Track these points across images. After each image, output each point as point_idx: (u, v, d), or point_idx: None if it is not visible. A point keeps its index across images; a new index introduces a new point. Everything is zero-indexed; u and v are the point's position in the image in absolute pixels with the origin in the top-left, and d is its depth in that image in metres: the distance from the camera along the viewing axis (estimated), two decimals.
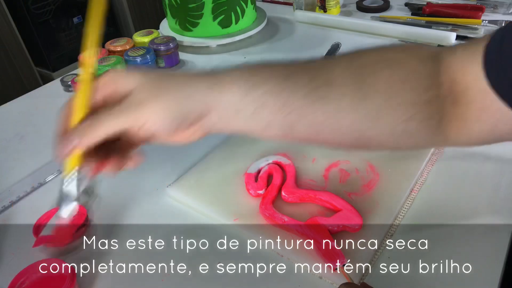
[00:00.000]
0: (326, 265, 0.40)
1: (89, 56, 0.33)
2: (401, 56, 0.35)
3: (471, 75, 0.32)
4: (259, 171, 0.51)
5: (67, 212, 0.35)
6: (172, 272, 0.43)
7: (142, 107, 0.31)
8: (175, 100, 0.32)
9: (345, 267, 0.38)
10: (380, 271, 0.40)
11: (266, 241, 0.44)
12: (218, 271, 0.42)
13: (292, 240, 0.43)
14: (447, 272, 0.39)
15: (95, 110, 0.32)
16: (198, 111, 0.33)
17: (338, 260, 0.39)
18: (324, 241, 0.41)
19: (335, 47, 0.66)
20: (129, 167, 0.36)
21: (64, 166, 0.33)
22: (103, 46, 0.84)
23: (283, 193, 0.48)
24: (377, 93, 0.33)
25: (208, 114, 0.33)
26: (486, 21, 0.85)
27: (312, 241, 0.42)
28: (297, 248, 0.42)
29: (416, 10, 0.96)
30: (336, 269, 0.38)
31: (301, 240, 0.43)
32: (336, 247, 0.40)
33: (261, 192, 0.48)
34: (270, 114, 0.33)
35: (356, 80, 0.34)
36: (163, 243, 0.46)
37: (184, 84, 0.33)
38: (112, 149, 0.35)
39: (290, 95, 0.33)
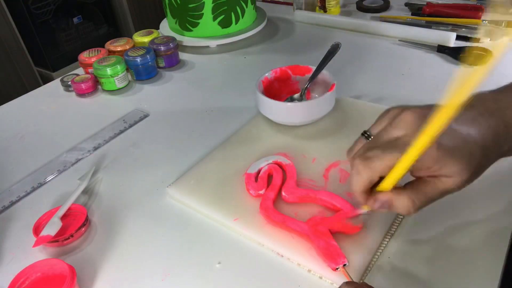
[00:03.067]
0: (326, 265, 0.40)
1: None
2: None
3: None
4: (259, 171, 0.51)
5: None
6: (172, 272, 0.43)
7: (449, 193, 0.34)
8: (476, 176, 0.34)
9: (345, 267, 0.38)
10: (380, 271, 0.40)
11: (266, 241, 0.44)
12: (218, 271, 0.42)
13: (292, 240, 0.43)
14: (447, 272, 0.39)
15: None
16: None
17: (338, 260, 0.39)
18: (324, 241, 0.41)
19: (335, 47, 0.66)
20: None
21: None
22: (103, 46, 0.84)
23: (283, 193, 0.48)
24: None
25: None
26: (486, 21, 0.85)
27: (312, 241, 0.42)
28: (297, 248, 0.42)
29: (416, 10, 0.96)
30: (337, 269, 0.38)
31: (301, 240, 0.43)
32: (337, 247, 0.40)
33: (261, 192, 0.48)
34: None
35: None
36: (163, 243, 0.46)
37: (483, 164, 0.34)
38: None
39: None
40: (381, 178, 0.35)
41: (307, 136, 0.58)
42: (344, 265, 0.39)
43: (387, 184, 0.34)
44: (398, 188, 0.35)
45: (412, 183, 0.35)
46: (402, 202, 0.34)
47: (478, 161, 0.33)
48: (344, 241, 0.42)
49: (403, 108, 0.35)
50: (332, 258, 0.39)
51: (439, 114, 0.29)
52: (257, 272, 0.42)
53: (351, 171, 0.36)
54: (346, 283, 0.35)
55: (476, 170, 0.33)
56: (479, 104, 0.35)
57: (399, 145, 0.33)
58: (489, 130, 0.34)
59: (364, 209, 0.38)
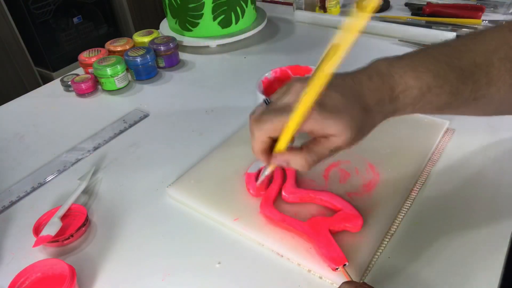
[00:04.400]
0: (326, 265, 0.40)
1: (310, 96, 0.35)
2: None
3: None
4: (259, 171, 0.51)
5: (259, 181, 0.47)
6: (172, 272, 0.43)
7: (338, 151, 0.38)
8: (363, 135, 0.38)
9: (345, 267, 0.38)
10: (380, 271, 0.40)
11: (266, 241, 0.44)
12: (218, 271, 0.42)
13: (292, 240, 0.43)
14: (447, 272, 0.39)
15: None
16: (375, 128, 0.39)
17: (338, 260, 0.39)
18: (324, 241, 0.41)
19: None
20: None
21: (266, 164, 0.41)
22: (103, 46, 0.84)
23: (283, 193, 0.48)
24: None
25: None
26: (486, 21, 0.85)
27: (312, 241, 0.42)
28: (297, 248, 0.42)
29: (416, 10, 0.96)
30: (337, 269, 0.38)
31: (301, 240, 0.43)
32: (337, 247, 0.40)
33: (261, 192, 0.48)
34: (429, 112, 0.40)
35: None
36: (163, 243, 0.46)
37: (367, 124, 0.38)
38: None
39: (452, 101, 0.38)
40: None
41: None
42: (344, 265, 0.39)
43: (281, 144, 0.38)
44: (295, 148, 0.39)
45: (307, 143, 0.39)
46: (297, 160, 0.38)
47: (359, 120, 0.37)
48: (344, 241, 0.42)
49: (298, 79, 0.39)
50: (332, 258, 0.39)
51: (315, 80, 0.33)
52: (257, 272, 0.42)
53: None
54: (346, 282, 0.35)
55: (359, 128, 0.37)
56: (371, 68, 0.39)
57: (287, 109, 0.36)
58: (374, 92, 0.38)
59: (269, 169, 0.42)
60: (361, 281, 0.39)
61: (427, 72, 0.37)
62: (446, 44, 0.40)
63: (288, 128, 0.36)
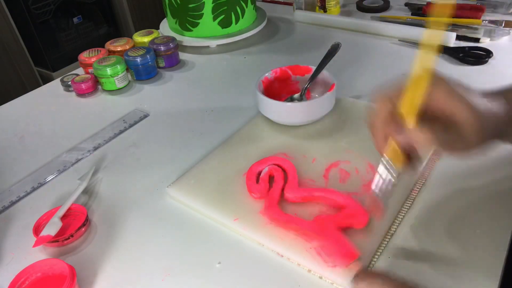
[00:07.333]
0: (338, 262, 0.40)
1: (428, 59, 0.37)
2: None
3: None
4: (260, 172, 0.51)
5: (377, 187, 0.41)
6: (172, 272, 0.43)
7: (468, 145, 0.36)
8: (491, 139, 0.38)
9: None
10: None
11: (266, 241, 0.44)
12: (218, 271, 0.42)
13: (292, 240, 0.43)
14: (447, 271, 0.39)
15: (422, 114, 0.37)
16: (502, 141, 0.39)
17: (350, 256, 0.39)
18: (334, 238, 0.41)
19: (335, 47, 0.66)
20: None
21: (387, 151, 0.39)
22: (103, 46, 0.84)
23: (286, 194, 0.48)
24: None
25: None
26: (486, 21, 0.85)
27: (322, 240, 0.42)
28: (297, 248, 0.42)
29: (416, 10, 0.96)
30: (350, 264, 0.39)
31: (301, 240, 0.43)
32: (347, 243, 0.40)
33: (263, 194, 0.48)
34: None
35: None
36: (163, 243, 0.46)
37: (495, 122, 0.37)
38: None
39: None
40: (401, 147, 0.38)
41: (307, 136, 0.58)
42: (357, 259, 0.39)
43: (409, 115, 0.36)
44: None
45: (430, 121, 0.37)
46: (424, 134, 0.36)
47: (481, 111, 0.36)
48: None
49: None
50: (346, 254, 0.39)
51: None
52: (257, 272, 0.42)
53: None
54: (361, 273, 0.36)
55: (483, 119, 0.36)
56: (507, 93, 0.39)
57: (400, 83, 0.37)
58: (504, 106, 0.38)
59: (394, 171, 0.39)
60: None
61: None
62: None
63: (408, 93, 0.36)
